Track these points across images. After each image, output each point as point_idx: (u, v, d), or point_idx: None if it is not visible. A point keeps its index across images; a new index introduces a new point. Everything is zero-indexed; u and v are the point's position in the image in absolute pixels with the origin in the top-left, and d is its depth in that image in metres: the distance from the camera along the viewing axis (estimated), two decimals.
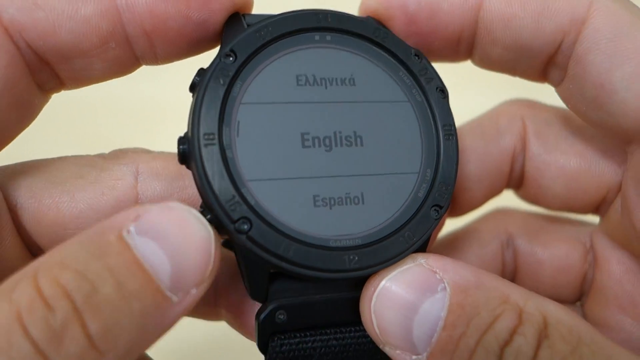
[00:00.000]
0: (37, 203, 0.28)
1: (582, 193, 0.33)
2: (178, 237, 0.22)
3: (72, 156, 0.30)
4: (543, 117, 0.34)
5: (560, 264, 0.34)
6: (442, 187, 0.27)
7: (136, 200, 0.29)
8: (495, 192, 0.35)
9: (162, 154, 0.30)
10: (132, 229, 0.22)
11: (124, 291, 0.21)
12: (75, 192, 0.28)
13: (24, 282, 0.20)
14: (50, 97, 0.29)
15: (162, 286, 0.22)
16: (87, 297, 0.20)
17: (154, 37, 0.27)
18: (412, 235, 0.26)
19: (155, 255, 0.22)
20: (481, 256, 0.35)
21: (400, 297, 0.24)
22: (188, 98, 0.27)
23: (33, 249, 0.28)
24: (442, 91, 0.29)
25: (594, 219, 0.35)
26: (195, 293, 0.23)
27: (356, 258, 0.25)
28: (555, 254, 0.35)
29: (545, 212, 0.37)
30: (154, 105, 0.44)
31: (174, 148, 0.26)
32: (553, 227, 0.36)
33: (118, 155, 0.30)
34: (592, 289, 0.34)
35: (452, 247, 0.35)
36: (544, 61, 0.29)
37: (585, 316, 0.34)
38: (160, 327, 0.22)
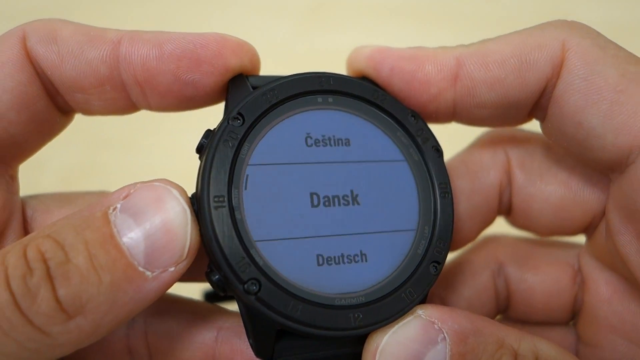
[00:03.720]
0: (49, 216, 0.30)
1: (569, 221, 0.34)
2: (154, 216, 0.24)
3: (97, 191, 0.32)
4: (525, 148, 0.35)
5: (551, 288, 0.35)
6: (440, 243, 0.28)
7: None
8: (486, 224, 0.36)
9: None
10: (118, 206, 0.24)
11: (95, 263, 0.23)
12: None
13: (18, 245, 0.23)
14: (72, 118, 0.31)
15: (135, 262, 0.23)
16: (59, 264, 0.22)
17: (146, 89, 0.28)
18: (413, 292, 0.27)
19: (131, 232, 0.24)
20: (474, 287, 0.36)
21: (404, 352, 0.25)
22: None
23: None
24: (437, 150, 0.30)
25: (581, 238, 0.36)
26: (173, 271, 0.24)
27: (360, 316, 0.26)
28: (546, 278, 0.35)
29: (533, 236, 0.38)
30: None
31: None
32: (541, 251, 0.37)
33: None
34: (583, 310, 0.35)
35: (446, 281, 0.36)
36: (530, 107, 0.30)
37: (578, 337, 0.35)
38: (135, 300, 0.24)
